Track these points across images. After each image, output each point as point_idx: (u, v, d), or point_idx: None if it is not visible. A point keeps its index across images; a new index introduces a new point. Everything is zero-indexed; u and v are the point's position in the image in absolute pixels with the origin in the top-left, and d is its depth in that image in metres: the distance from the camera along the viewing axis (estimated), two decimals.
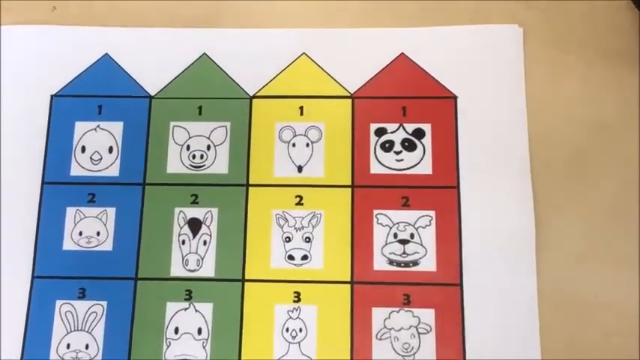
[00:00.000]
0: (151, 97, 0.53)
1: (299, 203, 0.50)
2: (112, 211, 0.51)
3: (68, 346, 0.48)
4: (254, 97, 0.53)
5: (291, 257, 0.49)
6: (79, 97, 0.53)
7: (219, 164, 0.51)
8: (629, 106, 0.51)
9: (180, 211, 0.50)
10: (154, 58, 0.54)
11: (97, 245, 0.50)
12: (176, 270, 0.49)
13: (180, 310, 0.48)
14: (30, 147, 0.52)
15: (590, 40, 0.53)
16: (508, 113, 0.51)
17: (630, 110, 0.51)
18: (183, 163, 0.51)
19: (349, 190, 0.50)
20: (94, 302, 0.49)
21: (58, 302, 0.49)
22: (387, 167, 0.51)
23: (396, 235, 0.49)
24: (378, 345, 0.47)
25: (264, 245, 0.49)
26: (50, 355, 0.48)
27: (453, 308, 0.47)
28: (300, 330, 0.48)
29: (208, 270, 0.49)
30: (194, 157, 0.52)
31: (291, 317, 0.48)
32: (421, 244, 0.49)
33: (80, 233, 0.50)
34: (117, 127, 0.52)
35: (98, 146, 0.52)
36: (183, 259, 0.49)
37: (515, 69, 0.52)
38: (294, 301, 0.48)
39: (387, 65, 0.53)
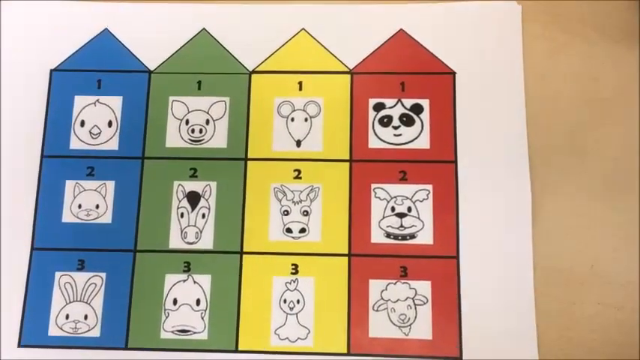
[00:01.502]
0: (150, 72, 0.53)
1: (297, 177, 0.50)
2: (111, 185, 0.51)
3: (67, 316, 0.48)
4: (253, 72, 0.53)
5: (289, 230, 0.49)
6: (79, 72, 0.53)
7: (218, 138, 0.51)
8: (627, 82, 0.51)
9: (179, 184, 0.51)
10: (153, 33, 0.54)
11: (96, 218, 0.50)
12: (175, 242, 0.49)
13: (179, 281, 0.49)
14: (29, 121, 0.52)
15: (588, 17, 0.53)
16: (506, 89, 0.51)
17: (628, 87, 0.51)
18: (182, 138, 0.52)
19: (347, 164, 0.50)
20: (93, 274, 0.49)
21: (58, 274, 0.49)
22: (385, 142, 0.51)
23: (393, 209, 0.49)
24: (374, 316, 0.47)
25: (262, 218, 0.50)
26: (49, 326, 0.48)
27: (449, 280, 0.48)
28: (298, 301, 0.48)
29: (207, 242, 0.49)
30: (193, 131, 0.52)
31: (288, 289, 0.48)
32: (418, 218, 0.49)
33: (79, 206, 0.50)
34: (116, 102, 0.53)
35: (97, 120, 0.52)
36: (181, 231, 0.50)
37: (513, 45, 0.52)
38: (292, 273, 0.48)
39: (386, 41, 0.53)
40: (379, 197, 0.50)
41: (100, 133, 0.52)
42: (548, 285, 0.48)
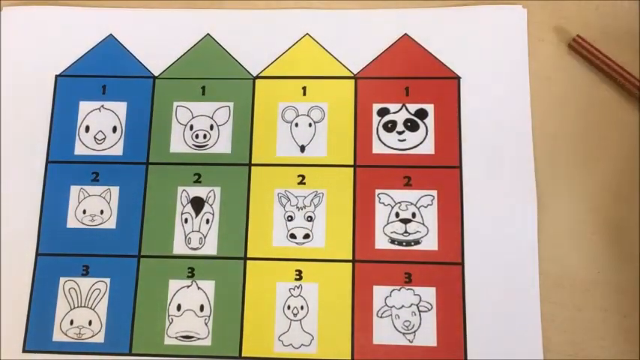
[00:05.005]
0: (154, 78, 0.53)
1: (301, 182, 0.50)
2: (115, 190, 0.51)
3: (72, 322, 0.48)
4: (257, 77, 0.53)
5: (293, 236, 0.49)
6: (83, 77, 0.53)
7: (222, 144, 0.51)
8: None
9: (184, 190, 0.51)
10: (157, 39, 0.54)
11: (100, 223, 0.50)
12: (179, 248, 0.49)
13: (183, 287, 0.49)
14: (34, 126, 0.52)
15: (593, 21, 0.53)
16: (511, 94, 0.51)
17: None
18: (187, 143, 0.52)
19: (351, 169, 0.50)
20: (98, 279, 0.49)
21: (62, 279, 0.49)
22: (390, 147, 0.51)
23: (397, 215, 0.49)
24: (378, 323, 0.47)
25: (266, 224, 0.50)
26: (54, 331, 0.48)
27: (454, 287, 0.47)
28: (302, 307, 0.48)
29: (211, 248, 0.49)
30: (197, 136, 0.52)
31: (292, 295, 0.48)
32: (423, 224, 0.49)
33: (84, 211, 0.51)
34: (121, 107, 0.53)
35: (102, 126, 0.52)
36: (185, 237, 0.50)
37: (518, 50, 0.52)
38: (296, 279, 0.48)
39: (391, 46, 0.53)
40: (383, 203, 0.49)
41: (104, 138, 0.52)
42: (554, 291, 0.47)
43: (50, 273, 0.49)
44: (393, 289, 0.48)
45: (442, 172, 0.50)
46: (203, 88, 0.53)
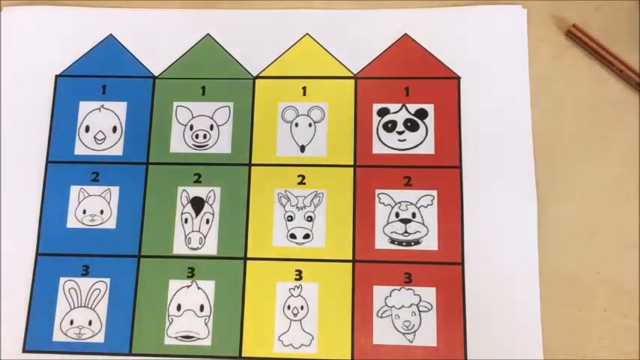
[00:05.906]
0: (154, 78, 0.53)
1: (301, 182, 0.50)
2: (115, 190, 0.51)
3: (72, 322, 0.48)
4: (257, 77, 0.53)
5: (293, 236, 0.49)
6: (84, 77, 0.54)
7: (222, 144, 0.51)
8: (631, 86, 0.51)
9: (184, 190, 0.51)
10: (157, 39, 0.54)
11: (100, 223, 0.50)
12: (179, 248, 0.49)
13: (183, 287, 0.49)
14: (35, 126, 0.52)
15: (592, 20, 0.53)
16: (511, 93, 0.51)
17: (632, 91, 0.51)
18: (187, 143, 0.52)
19: (351, 169, 0.50)
20: (98, 279, 0.49)
21: (62, 279, 0.49)
22: (390, 147, 0.51)
23: (397, 215, 0.49)
24: (378, 322, 0.47)
25: (266, 224, 0.50)
26: (54, 331, 0.48)
27: (454, 287, 0.47)
28: (302, 307, 0.48)
29: (211, 248, 0.49)
30: (197, 136, 0.52)
31: (292, 295, 0.48)
32: (423, 224, 0.49)
33: (84, 211, 0.51)
34: (121, 107, 0.53)
35: (102, 126, 0.52)
36: (185, 237, 0.50)
37: (518, 49, 0.52)
38: (296, 279, 0.48)
39: (391, 46, 0.53)
40: (383, 203, 0.49)
41: (104, 138, 0.52)
42: (554, 291, 0.47)
43: (50, 273, 0.49)
44: (393, 289, 0.48)
45: (442, 172, 0.50)
46: (203, 88, 0.53)
